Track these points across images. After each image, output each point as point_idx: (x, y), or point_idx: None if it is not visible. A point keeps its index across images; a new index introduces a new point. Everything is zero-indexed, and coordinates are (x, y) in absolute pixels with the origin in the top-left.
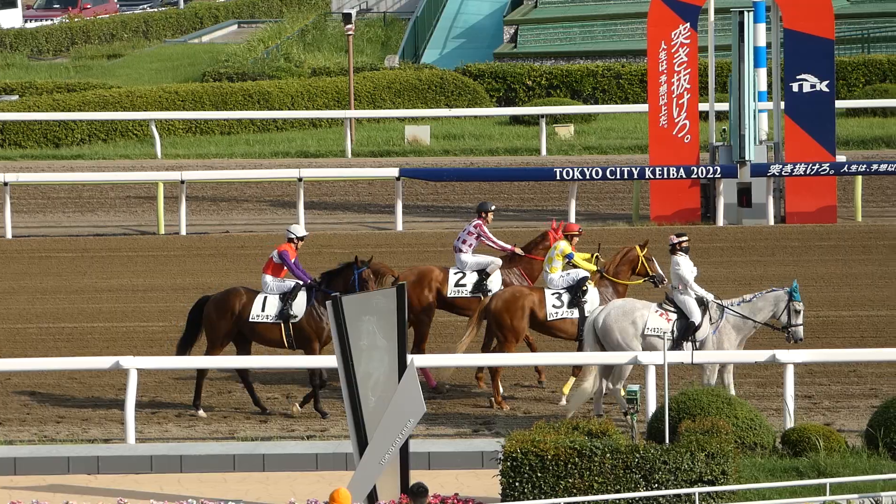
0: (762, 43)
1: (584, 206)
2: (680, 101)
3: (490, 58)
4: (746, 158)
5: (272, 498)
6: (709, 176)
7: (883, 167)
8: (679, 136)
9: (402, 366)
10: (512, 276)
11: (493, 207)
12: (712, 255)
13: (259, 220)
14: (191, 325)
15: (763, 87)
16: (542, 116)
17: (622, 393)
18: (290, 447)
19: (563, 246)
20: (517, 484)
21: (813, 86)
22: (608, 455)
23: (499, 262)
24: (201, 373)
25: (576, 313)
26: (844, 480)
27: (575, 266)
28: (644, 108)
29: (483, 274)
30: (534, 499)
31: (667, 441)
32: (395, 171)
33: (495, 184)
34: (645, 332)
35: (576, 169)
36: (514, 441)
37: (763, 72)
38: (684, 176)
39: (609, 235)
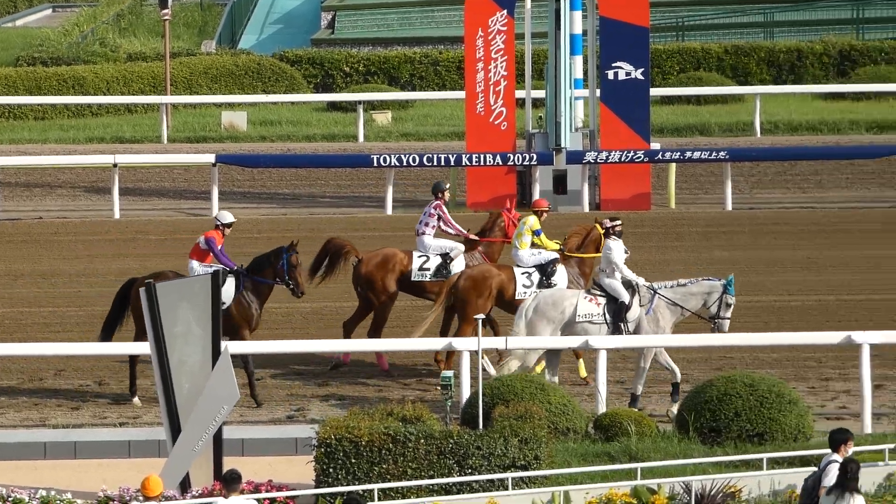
0: (578, 30)
1: (402, 193)
2: (497, 89)
3: (307, 44)
4: (562, 146)
5: (84, 485)
6: (525, 163)
7: (696, 155)
8: (496, 123)
9: (217, 353)
10: (473, 259)
11: (447, 186)
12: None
13: (73, 206)
14: (115, 309)
15: (579, 74)
16: (360, 103)
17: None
18: (102, 434)
19: (533, 221)
20: (331, 470)
21: (628, 73)
22: (422, 441)
23: (461, 247)
24: (132, 360)
25: None
26: (655, 465)
27: (540, 245)
28: (461, 94)
29: (446, 258)
30: (347, 485)
31: (480, 427)
32: (211, 157)
33: (312, 170)
34: (576, 319)
35: (393, 155)
36: (328, 427)
37: (579, 59)
38: (501, 163)
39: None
